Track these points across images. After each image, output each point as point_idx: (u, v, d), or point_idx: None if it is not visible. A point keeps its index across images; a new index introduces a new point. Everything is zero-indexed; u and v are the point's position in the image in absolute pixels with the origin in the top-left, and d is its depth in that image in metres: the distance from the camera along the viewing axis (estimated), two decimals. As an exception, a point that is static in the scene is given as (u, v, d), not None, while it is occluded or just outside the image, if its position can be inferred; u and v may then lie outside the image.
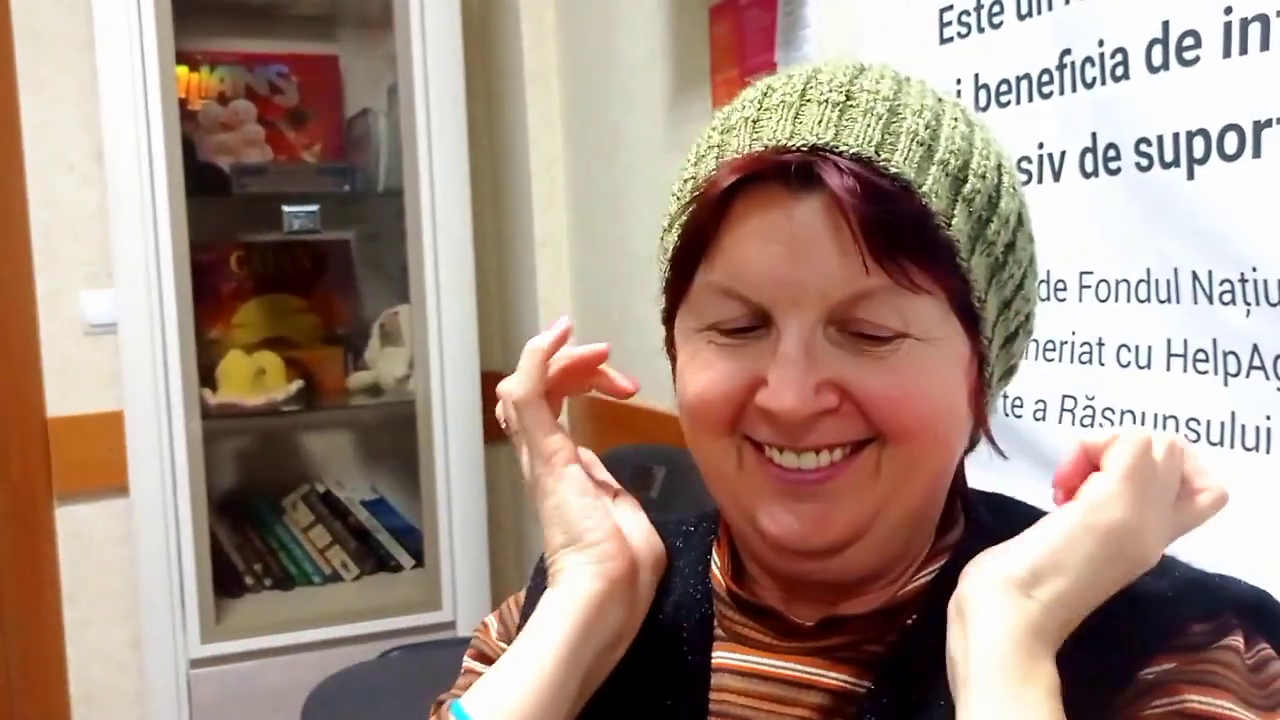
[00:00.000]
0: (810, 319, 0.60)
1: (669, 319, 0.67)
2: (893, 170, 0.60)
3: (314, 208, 2.24)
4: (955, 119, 0.64)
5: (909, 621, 0.66)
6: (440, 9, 2.16)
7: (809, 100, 0.62)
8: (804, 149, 0.60)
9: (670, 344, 0.69)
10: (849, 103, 0.62)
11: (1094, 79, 1.08)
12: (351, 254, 2.51)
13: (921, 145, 0.61)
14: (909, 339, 0.61)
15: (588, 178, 2.33)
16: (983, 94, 1.23)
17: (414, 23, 2.14)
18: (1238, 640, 0.60)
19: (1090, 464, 0.59)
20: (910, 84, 0.65)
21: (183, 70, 2.29)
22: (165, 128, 1.98)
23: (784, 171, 0.59)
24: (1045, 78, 1.14)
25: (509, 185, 2.56)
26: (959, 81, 1.26)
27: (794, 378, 0.60)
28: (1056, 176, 1.14)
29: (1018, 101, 1.18)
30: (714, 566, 0.73)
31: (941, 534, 0.69)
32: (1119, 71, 1.05)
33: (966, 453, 0.70)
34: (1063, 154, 1.13)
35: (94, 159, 2.19)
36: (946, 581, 0.64)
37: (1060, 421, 1.15)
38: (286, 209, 2.22)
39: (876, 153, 0.60)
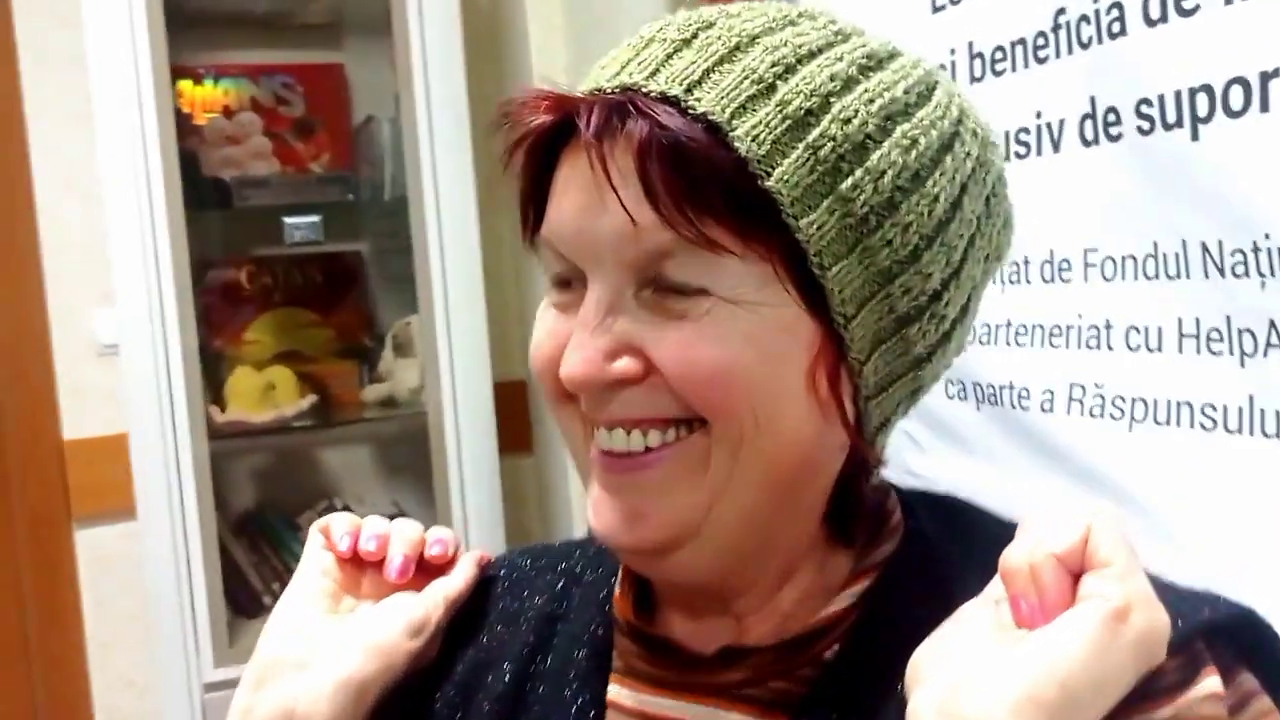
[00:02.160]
0: (613, 277, 0.53)
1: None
2: (699, 110, 0.51)
3: (315, 218, 2.20)
4: (842, 58, 0.54)
5: (826, 654, 0.56)
6: (440, 13, 2.11)
7: (651, 41, 0.55)
8: (615, 90, 0.53)
9: None
10: (692, 40, 0.54)
11: (1090, 38, 0.99)
12: (364, 265, 2.47)
13: (758, 83, 0.52)
14: (714, 299, 0.52)
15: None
16: (977, 63, 1.15)
17: (413, 27, 2.09)
18: (1214, 681, 0.49)
19: (1070, 574, 0.45)
20: (801, 21, 0.56)
21: (186, 84, 2.26)
22: (162, 143, 1.95)
23: (599, 113, 0.52)
24: (1040, 41, 1.06)
25: (522, 189, 2.50)
26: (953, 51, 1.18)
27: (583, 341, 0.53)
28: (1056, 147, 1.05)
29: (1013, 69, 1.10)
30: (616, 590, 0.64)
31: (868, 549, 0.59)
32: (1115, 28, 0.96)
33: (852, 474, 0.59)
34: (1061, 122, 1.04)
35: (100, 177, 2.17)
36: (873, 605, 0.56)
37: (1069, 412, 1.06)
38: (287, 220, 2.18)
39: (687, 92, 0.52)
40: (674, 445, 0.54)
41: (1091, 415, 1.03)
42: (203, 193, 2.16)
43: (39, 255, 2.29)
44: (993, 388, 1.15)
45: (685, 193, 0.50)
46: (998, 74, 1.12)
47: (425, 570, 0.68)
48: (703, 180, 0.50)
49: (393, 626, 0.63)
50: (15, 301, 2.28)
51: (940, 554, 0.57)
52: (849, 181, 0.52)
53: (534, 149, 0.56)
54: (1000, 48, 1.11)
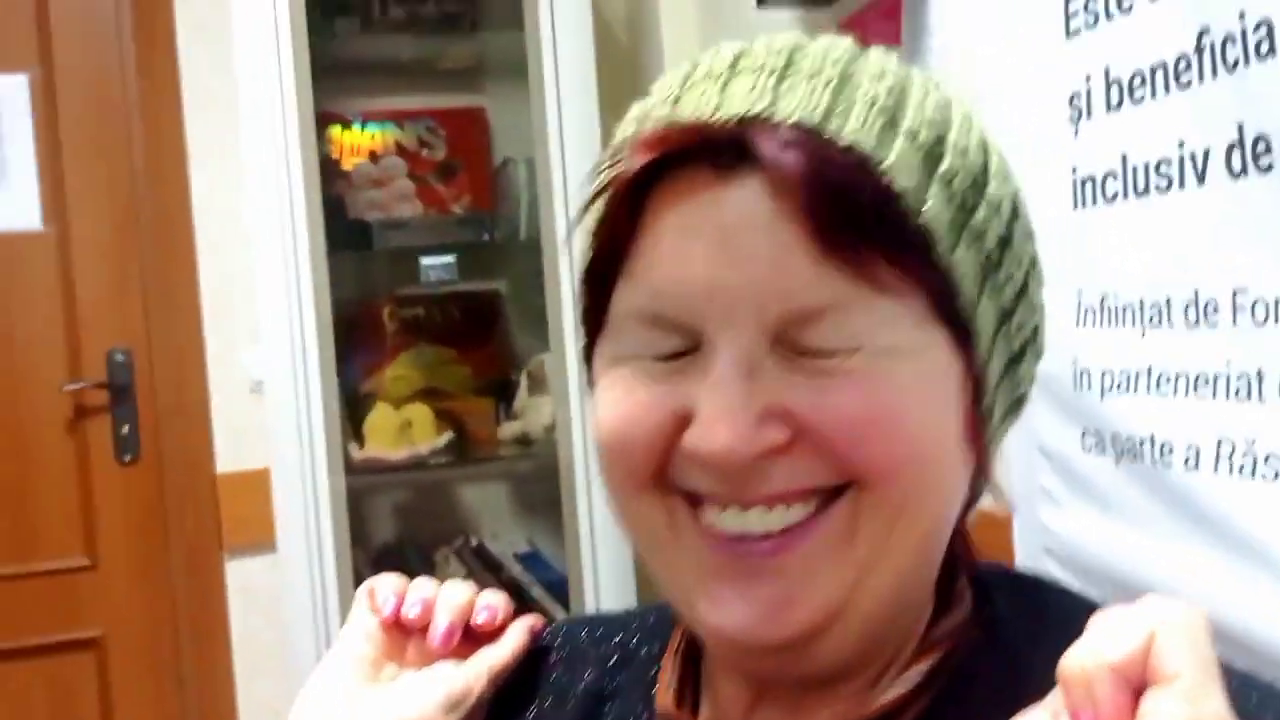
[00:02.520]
0: (750, 334, 0.47)
1: (589, 353, 0.55)
2: (846, 139, 0.47)
3: (450, 258, 2.23)
4: (927, 87, 0.51)
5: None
6: (576, 57, 2.12)
7: (740, 71, 0.50)
8: (732, 121, 0.47)
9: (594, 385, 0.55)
10: (789, 69, 0.50)
11: (1236, 60, 0.90)
12: (501, 303, 2.49)
13: (883, 112, 0.48)
14: (877, 351, 0.47)
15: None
16: (1114, 91, 1.06)
17: (548, 72, 2.10)
18: None
19: (1130, 686, 0.38)
20: (870, 52, 0.52)
21: (335, 130, 2.34)
22: (306, 187, 2.00)
23: (710, 150, 0.47)
24: (1182, 64, 0.97)
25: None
26: (1088, 79, 1.10)
27: (729, 408, 0.46)
28: (1201, 179, 0.96)
29: (1153, 95, 1.01)
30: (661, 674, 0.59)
31: (937, 619, 0.53)
32: (1263, 48, 0.87)
33: (968, 509, 0.54)
34: (1206, 152, 0.95)
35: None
36: (944, 684, 0.50)
37: (1216, 470, 0.96)
38: (424, 261, 2.22)
39: (824, 120, 0.47)
40: (818, 518, 0.48)
41: (1241, 475, 0.93)
42: (346, 234, 2.21)
43: (198, 294, 2.39)
44: (1133, 441, 1.06)
45: (848, 223, 0.46)
46: (1136, 101, 1.03)
47: (474, 638, 0.64)
48: (863, 210, 0.46)
49: (429, 699, 0.60)
50: (176, 339, 2.38)
51: (1019, 635, 0.50)
52: (979, 215, 0.50)
53: (624, 196, 0.49)
54: (1139, 73, 1.02)
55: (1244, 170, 0.91)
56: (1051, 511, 1.20)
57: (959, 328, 0.50)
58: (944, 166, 0.49)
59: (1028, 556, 1.25)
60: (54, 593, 2.34)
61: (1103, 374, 1.10)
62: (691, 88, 0.51)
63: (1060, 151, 1.15)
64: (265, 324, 2.04)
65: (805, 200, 0.46)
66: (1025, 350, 0.54)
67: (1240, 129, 0.91)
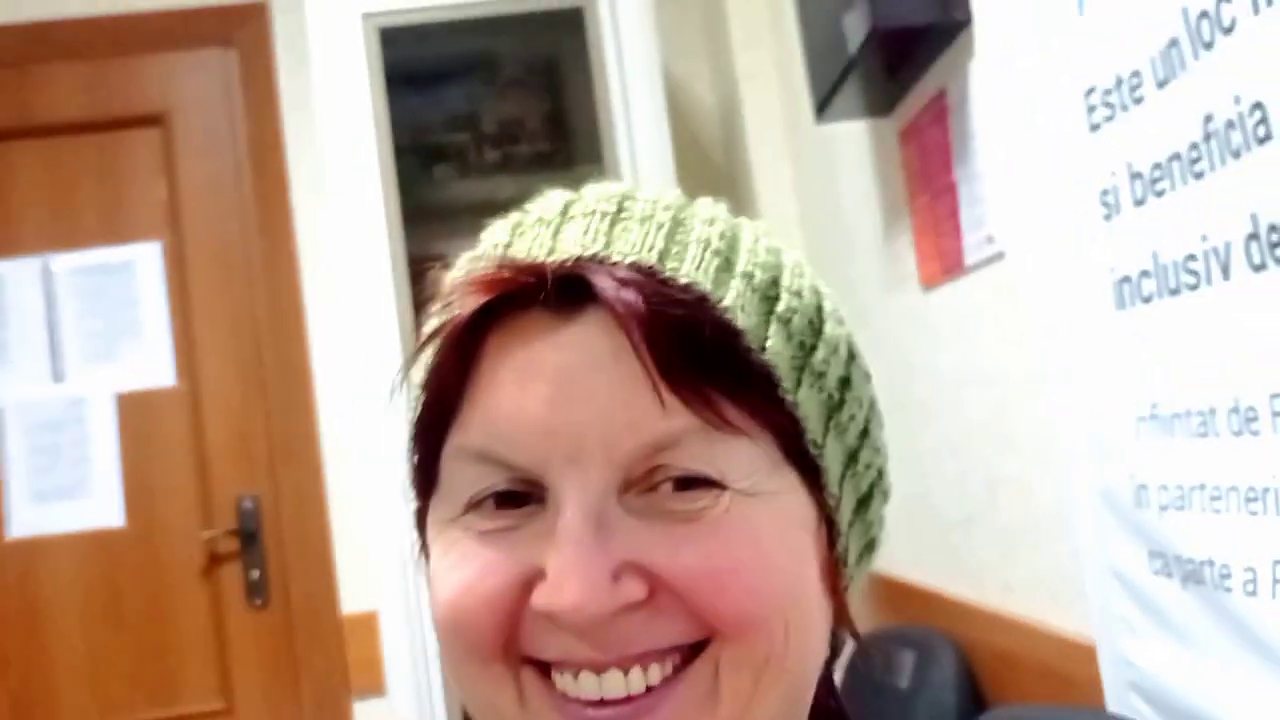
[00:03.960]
0: (596, 481, 0.45)
1: (421, 520, 0.52)
2: (683, 280, 0.46)
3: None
4: (756, 233, 0.51)
5: None
6: (659, 184, 2.14)
7: (572, 216, 0.49)
8: (569, 261, 0.46)
9: (426, 553, 0.52)
10: (621, 213, 0.49)
11: (1239, 146, 0.83)
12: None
13: (717, 255, 0.48)
14: (729, 492, 0.45)
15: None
16: (1138, 185, 0.99)
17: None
18: None
19: None
20: (699, 200, 0.52)
21: (437, 271, 2.41)
22: (400, 329, 2.07)
23: (545, 292, 0.45)
24: (1194, 154, 0.90)
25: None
26: (1113, 174, 1.03)
27: (579, 562, 0.43)
28: (1226, 274, 0.88)
29: (1173, 187, 0.94)
30: None
31: None
32: (1260, 131, 0.80)
33: (831, 661, 0.52)
34: (1227, 246, 0.87)
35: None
36: None
37: (1275, 595, 0.85)
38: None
39: (660, 260, 0.46)
40: (680, 678, 0.46)
41: (1298, 601, 0.82)
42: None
43: (319, 443, 2.47)
44: (1193, 563, 0.95)
45: (691, 360, 0.45)
46: (1159, 194, 0.95)
47: None
48: (704, 348, 0.45)
49: None
50: (299, 486, 2.46)
51: None
52: (819, 355, 0.49)
53: (456, 342, 0.47)
54: (1158, 165, 0.95)
55: (1263, 264, 0.83)
56: (1130, 641, 1.09)
57: (808, 470, 0.48)
58: (781, 307, 0.49)
59: (1115, 693, 1.14)
60: (192, 738, 2.41)
61: (1160, 489, 1.01)
62: (523, 234, 0.50)
63: (1096, 250, 1.07)
64: (371, 472, 2.09)
65: (647, 335, 0.44)
66: (873, 491, 0.53)
67: (1254, 219, 0.83)
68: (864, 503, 0.52)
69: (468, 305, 0.46)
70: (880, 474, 0.53)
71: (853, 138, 1.86)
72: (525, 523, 0.46)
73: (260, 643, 2.44)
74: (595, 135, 2.13)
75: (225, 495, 2.44)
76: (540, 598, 0.45)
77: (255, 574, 2.44)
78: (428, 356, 0.49)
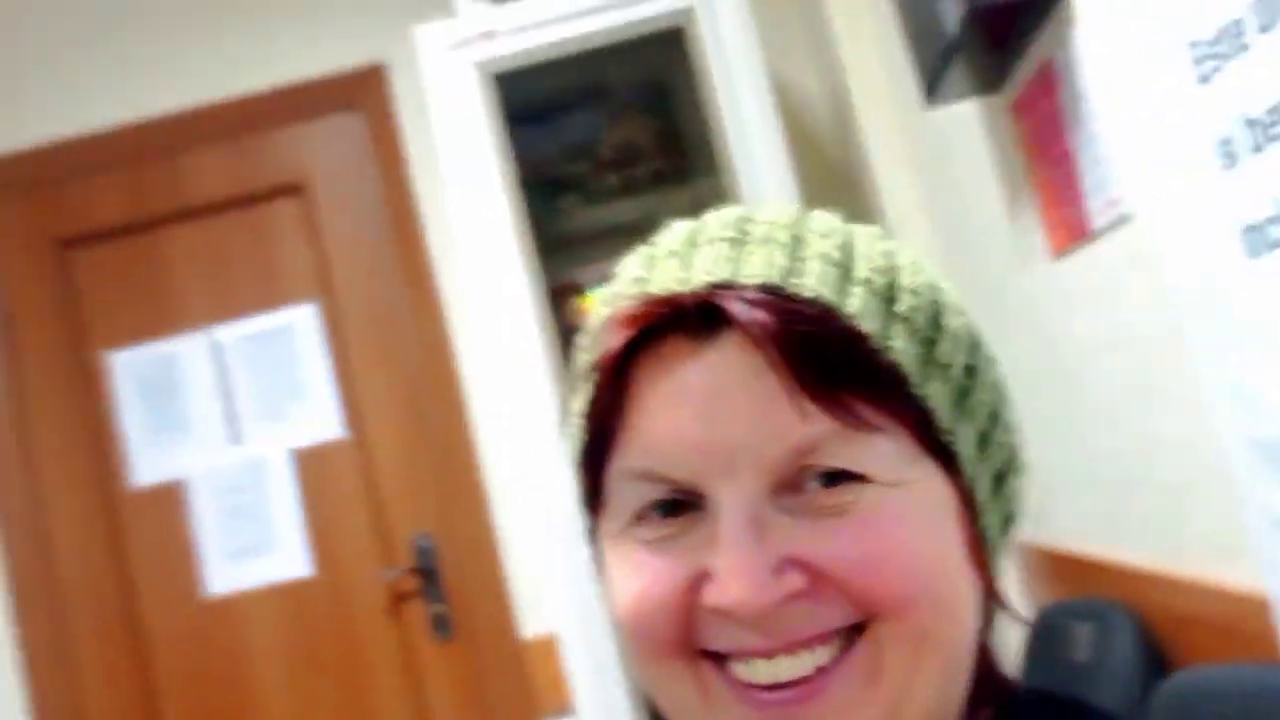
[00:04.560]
0: (750, 487, 0.49)
1: (593, 536, 0.57)
2: (807, 295, 0.50)
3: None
4: (871, 239, 0.55)
5: None
6: (777, 189, 2.16)
7: (698, 245, 0.54)
8: (702, 290, 0.51)
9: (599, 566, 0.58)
10: (744, 238, 0.53)
11: (1349, 82, 0.82)
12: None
13: (836, 266, 0.52)
14: (874, 485, 0.49)
15: (976, 309, 2.15)
16: (1255, 132, 0.98)
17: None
18: None
19: None
20: (814, 214, 0.56)
21: (574, 299, 2.49)
22: (547, 357, 2.13)
23: (683, 321, 0.51)
24: (1306, 94, 0.89)
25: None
26: (1229, 124, 1.01)
27: (743, 561, 0.48)
28: (1354, 212, 0.86)
29: (1289, 131, 0.93)
30: None
31: None
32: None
33: (986, 632, 0.55)
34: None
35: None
36: None
37: None
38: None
39: (785, 278, 0.51)
40: (845, 659, 0.50)
41: None
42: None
43: (483, 478, 2.56)
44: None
45: (824, 369, 0.49)
46: (1275, 139, 0.94)
47: None
48: (835, 356, 0.49)
49: None
50: (469, 520, 2.56)
51: None
52: (941, 348, 0.53)
53: (609, 375, 0.53)
54: (1272, 109, 0.94)
55: (1390, 197, 0.81)
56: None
57: (944, 457, 0.52)
58: (901, 307, 0.52)
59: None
60: (396, 770, 2.53)
61: (1316, 437, 0.99)
62: (655, 266, 0.55)
63: (1220, 201, 1.06)
64: (539, 495, 2.16)
65: (781, 351, 0.49)
66: (1008, 469, 0.56)
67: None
68: (1000, 480, 0.55)
69: (616, 340, 0.52)
70: (1013, 452, 0.56)
71: (965, 118, 1.86)
72: (687, 530, 0.51)
73: (450, 674, 2.55)
74: (710, 148, 2.17)
75: (401, 536, 2.57)
76: (710, 596, 0.49)
77: (437, 609, 2.55)
78: (585, 390, 0.55)
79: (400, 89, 2.61)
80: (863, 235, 0.55)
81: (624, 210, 2.47)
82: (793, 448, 0.49)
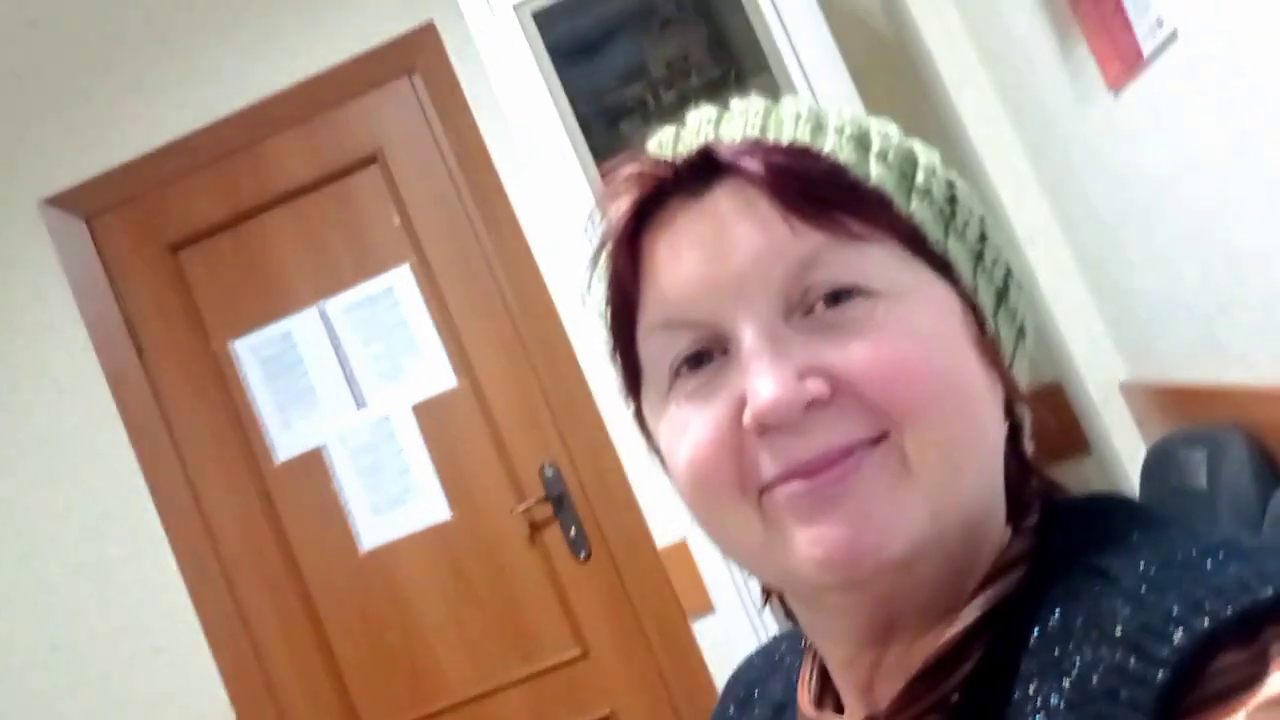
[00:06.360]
0: (762, 308, 0.54)
1: (640, 420, 0.62)
2: (785, 141, 0.56)
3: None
4: (840, 109, 0.59)
5: (954, 698, 0.52)
6: (830, 76, 2.16)
7: (685, 127, 0.60)
8: (688, 153, 0.57)
9: (655, 448, 0.61)
10: (725, 113, 0.59)
11: None
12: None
13: (809, 121, 0.57)
14: (878, 297, 0.53)
15: (1048, 157, 2.14)
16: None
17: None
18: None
19: None
20: (787, 97, 0.60)
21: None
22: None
23: (679, 179, 0.56)
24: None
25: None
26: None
27: (767, 367, 0.52)
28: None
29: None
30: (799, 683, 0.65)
31: (1010, 541, 0.56)
32: None
33: (1017, 434, 0.58)
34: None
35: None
36: (996, 638, 0.52)
37: None
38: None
39: (763, 132, 0.57)
40: (870, 451, 0.52)
41: None
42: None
43: (594, 402, 2.65)
44: None
45: (810, 191, 0.54)
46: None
47: None
48: (818, 180, 0.55)
49: None
50: (589, 444, 2.66)
51: (1060, 567, 0.52)
52: (920, 178, 0.57)
53: (622, 240, 0.57)
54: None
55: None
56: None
57: (939, 264, 0.56)
58: (875, 148, 0.57)
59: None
60: (561, 685, 2.68)
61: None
62: (646, 155, 0.60)
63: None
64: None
65: (770, 185, 0.54)
66: (1008, 284, 0.59)
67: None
68: (1002, 294, 0.58)
69: (624, 206, 0.57)
70: (1009, 270, 0.59)
71: (1033, 11, 1.83)
72: (719, 373, 0.55)
73: (595, 590, 2.67)
74: (758, 46, 2.18)
75: (528, 469, 2.68)
76: (747, 414, 0.53)
77: (573, 531, 2.67)
78: (602, 268, 0.60)
79: (451, 45, 2.67)
80: (833, 108, 0.60)
81: (685, 122, 2.49)
82: (793, 263, 0.53)
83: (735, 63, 2.40)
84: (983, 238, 0.58)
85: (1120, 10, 1.47)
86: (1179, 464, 1.77)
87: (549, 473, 2.67)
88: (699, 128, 0.58)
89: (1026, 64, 1.99)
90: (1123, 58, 1.54)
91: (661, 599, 2.63)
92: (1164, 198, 1.63)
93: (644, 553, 2.64)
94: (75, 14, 2.82)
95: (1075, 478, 2.30)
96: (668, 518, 2.61)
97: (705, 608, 2.52)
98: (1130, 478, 2.13)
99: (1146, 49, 1.45)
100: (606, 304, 0.59)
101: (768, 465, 0.53)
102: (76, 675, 2.75)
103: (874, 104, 2.14)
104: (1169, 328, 1.82)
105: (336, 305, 2.75)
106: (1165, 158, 1.57)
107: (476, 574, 2.70)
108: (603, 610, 2.68)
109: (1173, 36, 1.37)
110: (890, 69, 2.51)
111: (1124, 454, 2.16)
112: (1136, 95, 1.57)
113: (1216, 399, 1.70)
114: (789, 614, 0.64)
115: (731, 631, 2.22)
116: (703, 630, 2.62)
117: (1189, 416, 1.81)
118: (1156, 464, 1.86)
